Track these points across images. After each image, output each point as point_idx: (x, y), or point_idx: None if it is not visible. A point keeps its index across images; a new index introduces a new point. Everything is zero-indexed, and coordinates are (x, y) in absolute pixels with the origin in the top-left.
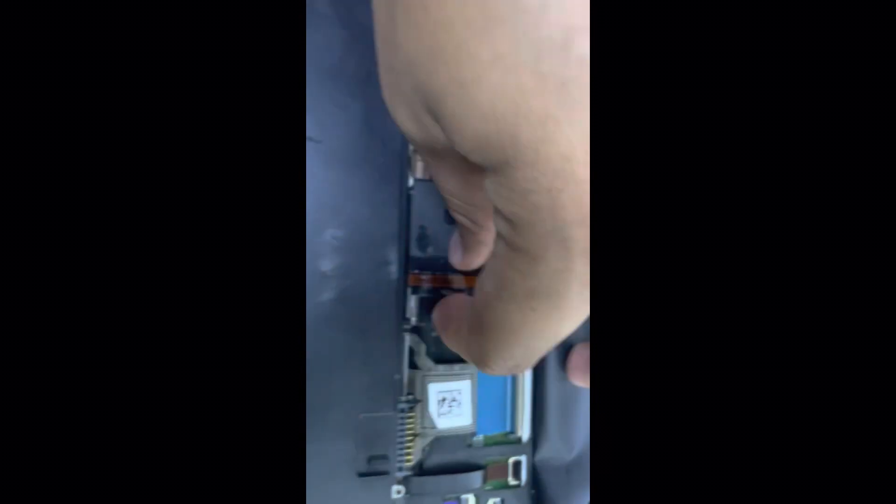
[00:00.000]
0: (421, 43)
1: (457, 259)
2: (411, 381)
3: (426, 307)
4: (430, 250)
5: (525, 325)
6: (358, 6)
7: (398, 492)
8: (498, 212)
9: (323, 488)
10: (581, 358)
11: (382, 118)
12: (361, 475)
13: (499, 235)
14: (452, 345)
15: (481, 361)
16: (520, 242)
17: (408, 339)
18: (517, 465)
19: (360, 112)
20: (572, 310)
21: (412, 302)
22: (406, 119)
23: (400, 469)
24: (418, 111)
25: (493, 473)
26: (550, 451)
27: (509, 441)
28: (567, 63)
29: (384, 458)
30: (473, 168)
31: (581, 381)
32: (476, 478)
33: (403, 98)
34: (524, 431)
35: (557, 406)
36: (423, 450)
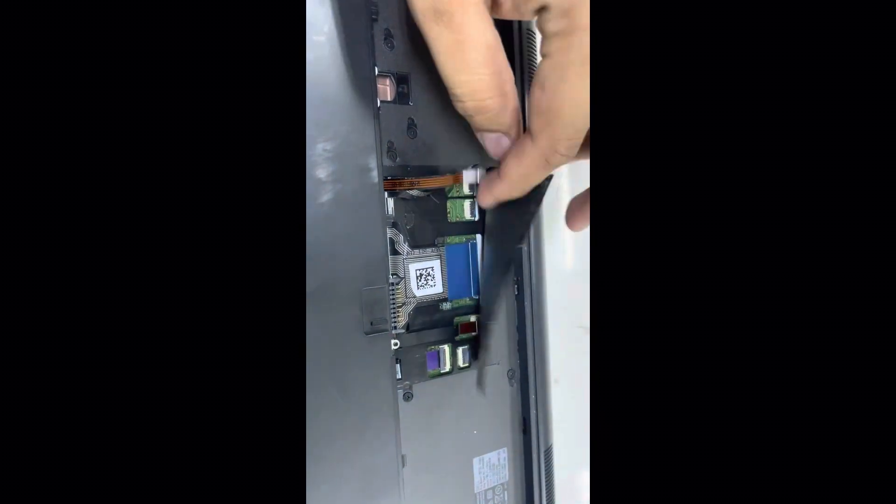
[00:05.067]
0: None
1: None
2: (394, 264)
3: (401, 207)
4: (398, 160)
5: (582, 86)
6: None
7: (395, 344)
8: (547, 29)
9: (340, 345)
10: (577, 202)
11: (352, 50)
12: (367, 333)
13: (546, 54)
14: (504, 185)
15: (551, 151)
16: (572, 41)
17: (389, 231)
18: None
19: (337, 46)
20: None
21: (390, 202)
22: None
23: (394, 328)
24: None
25: (463, 329)
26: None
27: (472, 303)
28: None
29: (382, 320)
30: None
31: (580, 225)
32: (449, 332)
33: None
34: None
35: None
36: (409, 314)
